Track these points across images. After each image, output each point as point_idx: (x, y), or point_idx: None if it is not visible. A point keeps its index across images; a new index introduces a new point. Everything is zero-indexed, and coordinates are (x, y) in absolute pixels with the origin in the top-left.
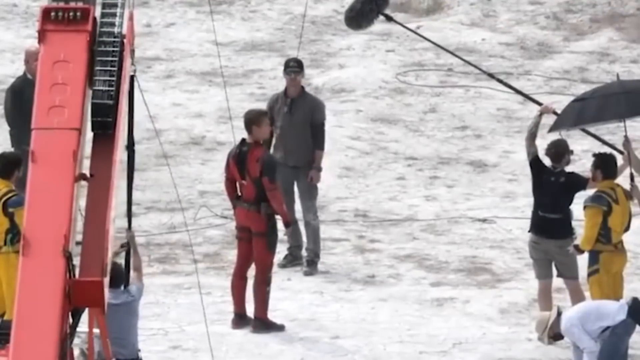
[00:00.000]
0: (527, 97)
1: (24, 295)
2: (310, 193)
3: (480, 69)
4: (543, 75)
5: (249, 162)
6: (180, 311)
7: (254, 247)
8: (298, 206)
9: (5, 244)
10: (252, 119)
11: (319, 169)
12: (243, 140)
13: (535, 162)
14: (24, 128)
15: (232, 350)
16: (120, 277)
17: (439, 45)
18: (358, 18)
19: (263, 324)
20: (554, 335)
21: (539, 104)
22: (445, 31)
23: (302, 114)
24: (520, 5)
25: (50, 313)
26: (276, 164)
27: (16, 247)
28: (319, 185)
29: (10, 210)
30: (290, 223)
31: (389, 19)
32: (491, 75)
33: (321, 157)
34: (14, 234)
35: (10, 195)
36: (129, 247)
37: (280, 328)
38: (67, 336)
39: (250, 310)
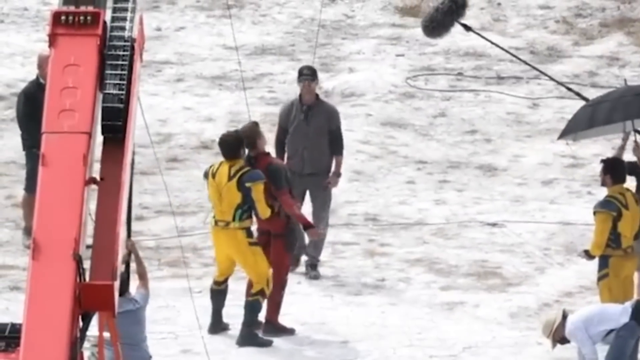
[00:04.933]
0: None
1: (34, 298)
2: (324, 203)
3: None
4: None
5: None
6: (191, 315)
7: (272, 249)
8: (306, 208)
9: (233, 219)
10: (251, 135)
11: (339, 175)
12: (248, 155)
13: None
14: (36, 132)
15: (242, 354)
16: (124, 286)
17: (500, 47)
18: (439, 29)
19: (273, 328)
20: (560, 339)
21: (585, 98)
22: (455, 35)
23: (318, 121)
24: (530, 9)
25: (61, 317)
26: (280, 171)
27: (244, 223)
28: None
29: (248, 185)
30: (310, 225)
31: (467, 28)
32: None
33: (341, 162)
34: (243, 210)
35: (245, 170)
36: (129, 256)
37: (290, 332)
38: (77, 340)
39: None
